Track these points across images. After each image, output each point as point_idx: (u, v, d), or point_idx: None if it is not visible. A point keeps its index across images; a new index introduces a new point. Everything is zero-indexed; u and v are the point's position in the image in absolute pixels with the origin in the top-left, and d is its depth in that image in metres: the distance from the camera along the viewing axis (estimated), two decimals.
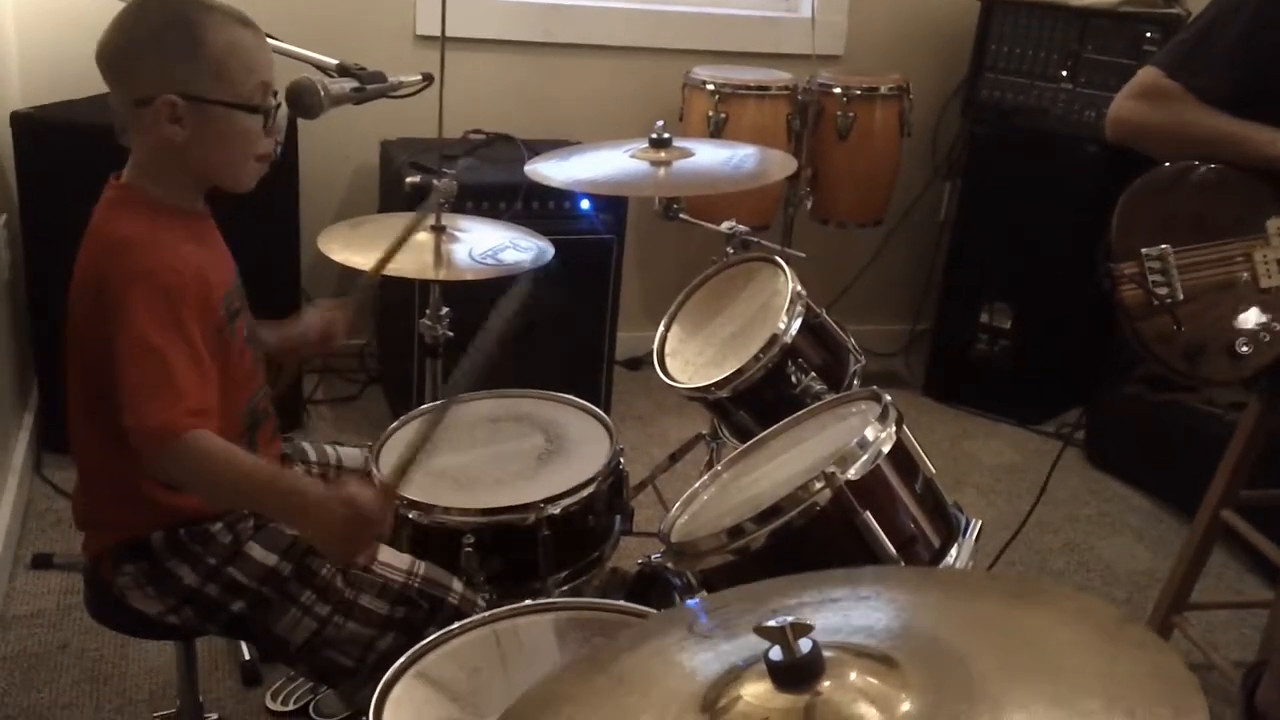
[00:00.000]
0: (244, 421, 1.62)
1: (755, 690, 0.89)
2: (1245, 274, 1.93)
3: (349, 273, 2.12)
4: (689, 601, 1.16)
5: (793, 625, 0.86)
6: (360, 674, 1.60)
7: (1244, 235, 1.93)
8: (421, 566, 1.66)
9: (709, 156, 2.35)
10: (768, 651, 0.87)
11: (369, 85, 1.84)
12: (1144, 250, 1.91)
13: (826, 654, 0.88)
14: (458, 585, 1.66)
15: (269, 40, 1.82)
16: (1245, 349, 1.90)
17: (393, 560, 1.65)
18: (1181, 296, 1.89)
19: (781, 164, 2.33)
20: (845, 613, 1.01)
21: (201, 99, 1.48)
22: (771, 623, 0.86)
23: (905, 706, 0.84)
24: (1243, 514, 2.29)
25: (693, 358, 2.13)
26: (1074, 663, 0.87)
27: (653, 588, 1.75)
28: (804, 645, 0.86)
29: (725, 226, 2.35)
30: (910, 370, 4.02)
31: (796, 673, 0.86)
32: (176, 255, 1.48)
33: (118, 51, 1.50)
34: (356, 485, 1.43)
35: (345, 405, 3.45)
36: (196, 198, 1.59)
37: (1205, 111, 1.96)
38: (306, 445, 1.88)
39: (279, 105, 1.57)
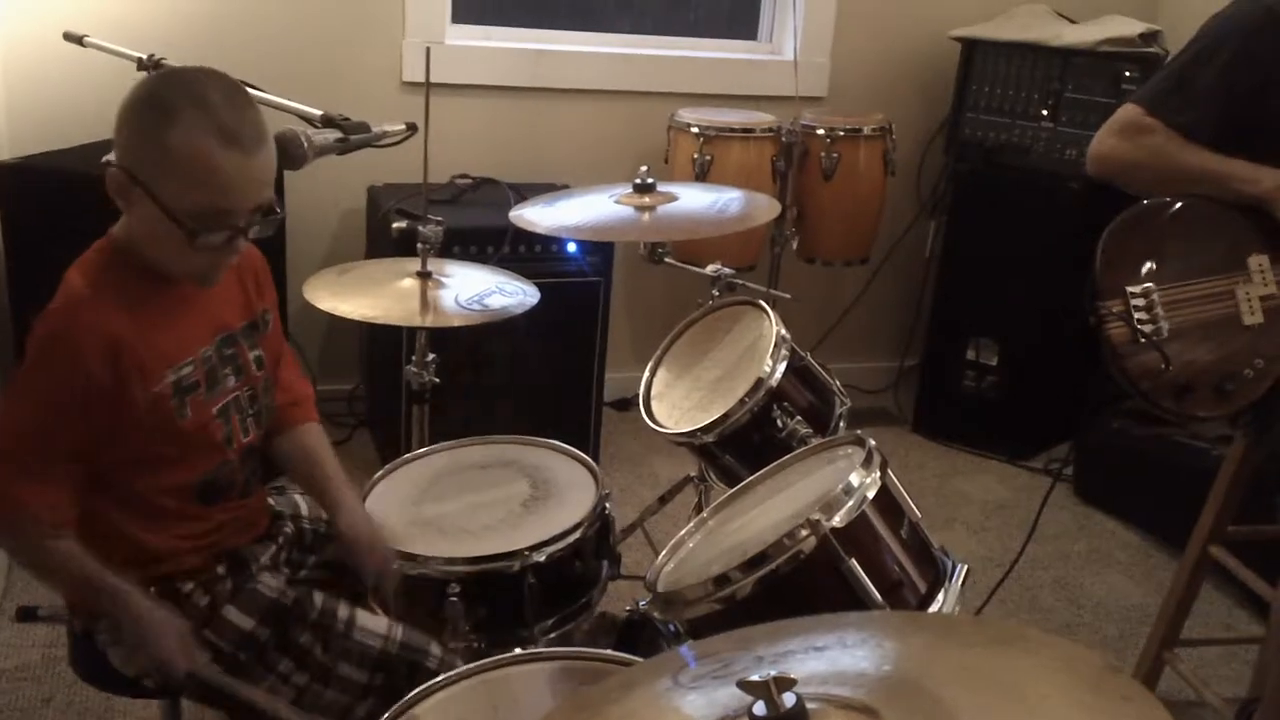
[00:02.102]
0: (196, 490, 1.58)
1: None
2: (1228, 311, 1.94)
3: (337, 319, 2.11)
4: (681, 648, 1.16)
5: (776, 679, 0.86)
6: None
7: (1226, 272, 1.95)
8: (399, 630, 1.63)
9: (693, 200, 2.36)
10: (751, 706, 0.87)
11: (353, 136, 1.84)
12: (1128, 288, 1.92)
13: (811, 706, 0.88)
14: (436, 649, 1.64)
15: (255, 92, 1.83)
16: (1230, 386, 1.90)
17: (370, 625, 1.62)
18: (1167, 334, 1.90)
19: (766, 208, 2.35)
20: (832, 660, 1.01)
21: (141, 185, 1.42)
22: (755, 677, 0.86)
23: None
24: (1231, 549, 2.29)
25: (679, 402, 2.13)
26: (1058, 714, 0.87)
27: (641, 634, 1.74)
28: (788, 700, 0.86)
29: (710, 269, 2.36)
30: (899, 407, 4.02)
31: None
32: (100, 316, 1.44)
33: (120, 106, 1.46)
34: (170, 640, 1.48)
35: (333, 449, 3.44)
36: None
37: (1186, 148, 1.98)
38: (300, 499, 1.86)
39: (234, 236, 1.46)
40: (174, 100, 1.40)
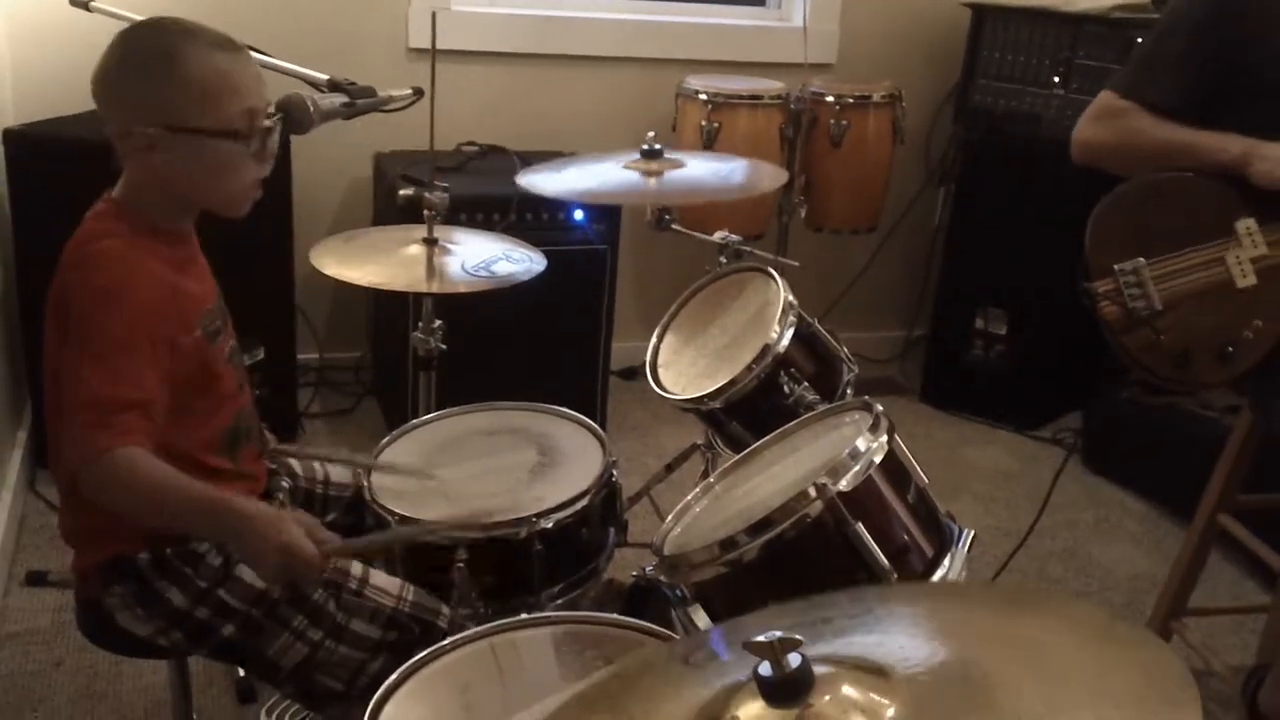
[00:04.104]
0: (224, 439, 1.62)
1: (750, 710, 0.88)
2: (1221, 277, 1.93)
3: (344, 286, 2.11)
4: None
5: (780, 640, 0.86)
6: (349, 697, 1.59)
7: (1214, 239, 1.94)
8: (410, 591, 1.66)
9: (700, 168, 2.35)
10: (757, 667, 0.87)
11: (359, 100, 1.83)
12: (1117, 266, 1.92)
13: (818, 669, 0.88)
14: (446, 610, 1.66)
15: (260, 56, 1.82)
16: (1232, 350, 1.91)
17: (383, 585, 1.65)
18: (1160, 307, 1.91)
19: (772, 175, 2.33)
20: (847, 634, 1.01)
21: (184, 129, 1.48)
22: (760, 638, 0.86)
23: (893, 714, 0.84)
24: (1240, 518, 2.29)
25: (686, 369, 2.12)
26: (1067, 665, 0.87)
27: (648, 600, 1.74)
28: (793, 660, 0.86)
29: (718, 236, 2.35)
30: (907, 377, 4.01)
31: (786, 688, 0.86)
32: (144, 271, 1.48)
33: (104, 81, 1.51)
34: (297, 529, 1.41)
35: (340, 418, 3.45)
36: (183, 220, 1.60)
37: (1157, 124, 1.99)
38: (293, 463, 1.87)
39: (271, 129, 1.55)
40: (167, 44, 1.49)
